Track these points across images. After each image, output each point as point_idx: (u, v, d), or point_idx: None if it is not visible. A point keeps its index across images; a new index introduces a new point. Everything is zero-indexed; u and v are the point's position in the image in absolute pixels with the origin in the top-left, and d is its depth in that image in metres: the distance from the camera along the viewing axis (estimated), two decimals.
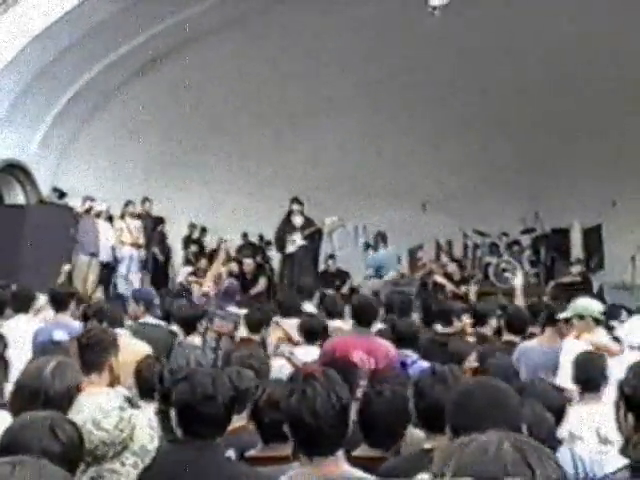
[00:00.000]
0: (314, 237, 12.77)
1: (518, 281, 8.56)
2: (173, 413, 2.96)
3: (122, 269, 12.40)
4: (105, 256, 12.59)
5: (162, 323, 6.44)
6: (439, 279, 12.58)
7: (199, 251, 14.66)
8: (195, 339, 6.10)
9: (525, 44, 13.56)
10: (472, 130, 15.59)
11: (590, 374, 4.28)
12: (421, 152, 15.94)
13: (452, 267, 13.11)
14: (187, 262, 14.62)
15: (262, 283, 12.39)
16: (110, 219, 13.53)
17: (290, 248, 12.51)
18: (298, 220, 12.57)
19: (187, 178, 15.56)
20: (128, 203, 12.85)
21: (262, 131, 15.55)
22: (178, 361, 5.38)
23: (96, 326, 4.93)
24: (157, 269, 13.00)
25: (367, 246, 14.44)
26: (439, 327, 6.79)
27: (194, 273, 12.50)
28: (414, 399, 3.25)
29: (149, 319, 6.35)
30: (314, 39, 13.92)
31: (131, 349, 4.66)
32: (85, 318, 5.85)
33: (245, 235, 16.07)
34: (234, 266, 13.22)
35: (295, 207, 12.56)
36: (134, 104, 14.38)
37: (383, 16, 13.02)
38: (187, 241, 15.36)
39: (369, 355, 5.24)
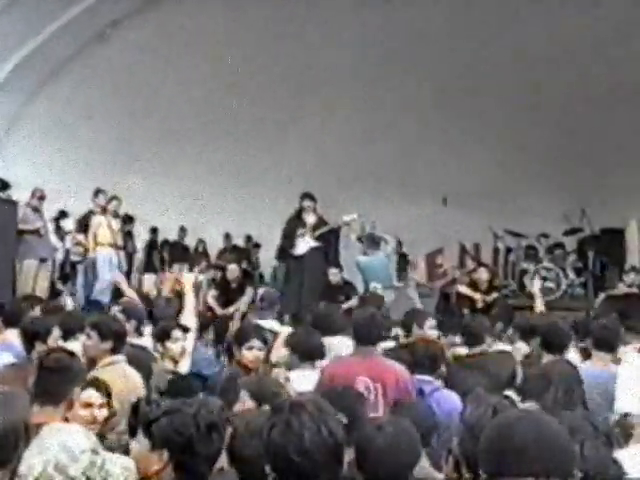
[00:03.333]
0: (329, 239, 12.85)
1: (536, 286, 8.66)
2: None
3: (105, 273, 12.19)
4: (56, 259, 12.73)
5: (148, 345, 6.44)
6: (463, 290, 12.44)
7: (182, 253, 14.99)
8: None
9: (573, 24, 13.93)
10: (505, 111, 15.70)
11: None
12: (442, 138, 16.06)
13: (479, 275, 12.72)
14: (148, 268, 14.83)
15: (249, 293, 12.27)
16: (63, 215, 13.61)
17: (299, 249, 12.58)
18: (310, 219, 12.61)
19: (157, 169, 15.74)
20: (99, 192, 12.55)
21: (253, 114, 15.71)
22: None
23: (62, 348, 4.92)
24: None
25: (359, 241, 14.58)
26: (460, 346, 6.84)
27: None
28: (464, 443, 3.23)
29: (135, 340, 6.34)
30: (318, 15, 14.29)
31: (130, 384, 4.86)
32: (67, 332, 5.82)
33: (227, 236, 16.27)
34: (216, 273, 13.34)
35: (307, 204, 12.58)
36: (90, 77, 14.38)
37: None
38: (151, 247, 15.54)
39: (375, 382, 5.24)
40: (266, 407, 4.17)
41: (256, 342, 6.05)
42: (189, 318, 6.67)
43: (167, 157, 15.90)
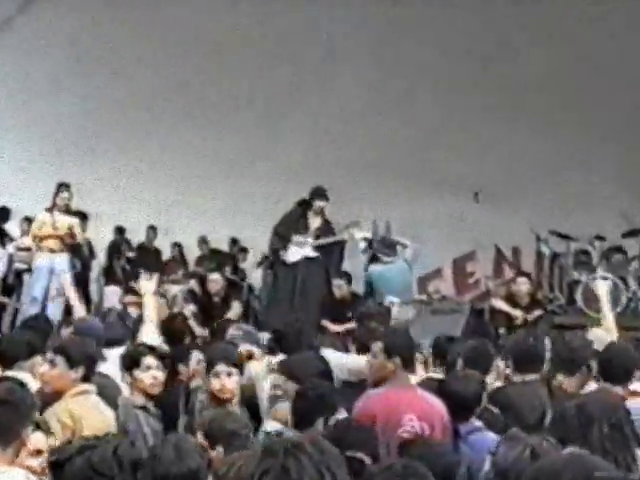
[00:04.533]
0: (331, 252, 12.82)
1: (602, 290, 8.29)
2: None
3: (36, 288, 12.24)
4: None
5: (111, 372, 6.52)
6: (499, 305, 12.51)
7: (152, 259, 15.25)
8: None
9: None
10: (550, 88, 15.68)
11: None
12: (472, 119, 16.07)
13: (519, 287, 12.72)
14: (110, 279, 14.93)
15: (236, 308, 12.22)
16: (3, 213, 13.98)
17: (291, 255, 12.57)
18: (316, 222, 12.66)
19: (124, 159, 15.90)
20: (62, 187, 12.45)
21: (240, 93, 15.97)
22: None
23: (9, 377, 5.04)
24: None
25: (369, 246, 14.41)
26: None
27: (130, 291, 12.41)
28: None
29: (100, 366, 6.37)
30: None
31: (106, 421, 5.15)
32: (6, 360, 5.96)
33: (204, 241, 16.27)
34: (194, 284, 13.33)
35: (319, 204, 12.57)
36: (33, 43, 14.54)
37: None
38: (112, 250, 15.52)
39: (420, 420, 5.34)
40: (220, 449, 4.50)
41: (222, 367, 6.03)
42: (151, 337, 6.76)
43: (136, 145, 16.05)
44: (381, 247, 13.89)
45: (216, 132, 16.04)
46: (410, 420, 5.31)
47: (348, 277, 12.92)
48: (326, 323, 12.07)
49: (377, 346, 5.91)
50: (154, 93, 15.77)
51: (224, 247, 16.45)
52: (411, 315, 12.76)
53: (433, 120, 16.17)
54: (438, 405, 5.47)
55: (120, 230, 15.82)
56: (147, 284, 7.46)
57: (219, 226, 16.06)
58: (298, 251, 12.62)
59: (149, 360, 6.08)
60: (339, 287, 12.43)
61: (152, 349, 6.34)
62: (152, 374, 6.02)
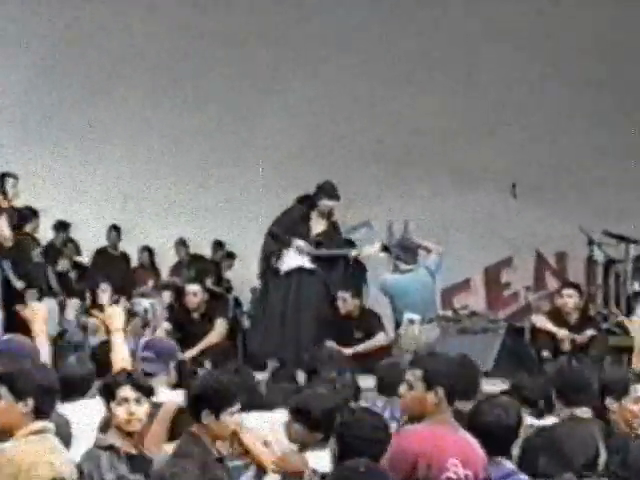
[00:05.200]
0: (334, 264, 12.73)
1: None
2: None
3: None
4: None
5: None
6: (542, 323, 12.13)
7: (118, 267, 15.49)
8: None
9: None
10: (603, 58, 15.57)
11: None
12: (506, 96, 15.95)
13: (566, 300, 12.26)
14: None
15: (220, 327, 12.22)
16: None
17: (286, 263, 12.42)
18: (320, 225, 12.51)
19: (84, 147, 16.03)
20: (5, 177, 12.28)
21: (223, 71, 16.02)
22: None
23: None
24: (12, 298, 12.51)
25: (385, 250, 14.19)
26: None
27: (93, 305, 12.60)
28: None
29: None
30: None
31: (64, 467, 5.08)
32: None
33: (183, 243, 16.34)
34: (167, 297, 13.70)
35: (327, 203, 12.37)
36: None
37: None
38: (49, 251, 15.16)
39: (465, 467, 5.24)
40: None
41: (238, 406, 5.95)
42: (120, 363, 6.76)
43: (98, 132, 16.03)
44: (399, 252, 13.53)
45: (196, 121, 15.99)
46: (455, 465, 5.20)
47: (355, 289, 12.86)
48: (331, 344, 11.93)
49: (414, 375, 5.61)
50: (123, 76, 15.81)
51: (206, 252, 16.27)
52: (434, 336, 12.62)
53: (458, 103, 15.97)
54: (480, 450, 5.38)
55: (63, 226, 15.37)
56: (36, 309, 7.34)
57: (198, 228, 15.93)
58: (294, 259, 12.51)
59: (126, 392, 6.02)
60: (344, 300, 12.43)
61: (132, 378, 6.25)
62: (128, 408, 5.95)
